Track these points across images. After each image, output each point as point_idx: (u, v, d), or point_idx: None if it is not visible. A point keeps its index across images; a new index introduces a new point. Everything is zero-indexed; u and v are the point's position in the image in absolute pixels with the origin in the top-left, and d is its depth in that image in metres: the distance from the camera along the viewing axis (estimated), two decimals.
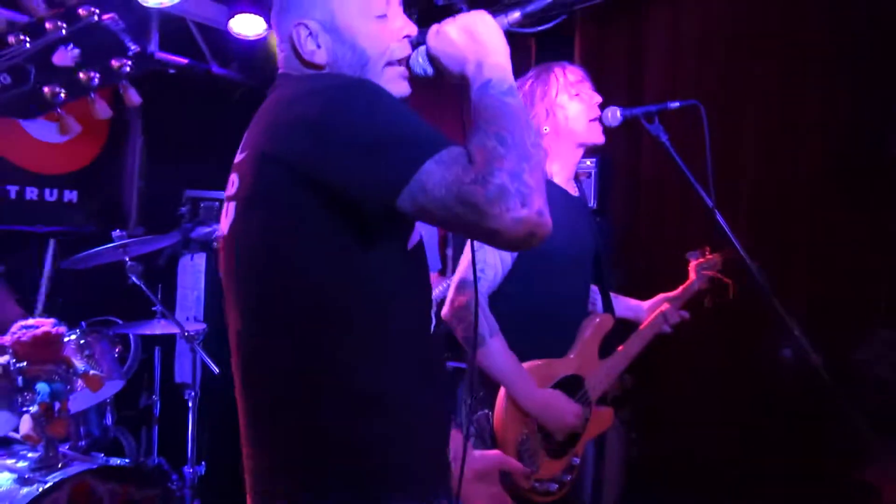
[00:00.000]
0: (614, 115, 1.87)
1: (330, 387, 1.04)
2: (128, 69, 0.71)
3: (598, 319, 1.95)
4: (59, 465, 2.04)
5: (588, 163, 3.10)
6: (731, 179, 2.98)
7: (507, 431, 1.72)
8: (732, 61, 3.09)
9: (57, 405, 2.12)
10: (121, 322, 3.29)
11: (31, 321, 2.15)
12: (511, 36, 1.13)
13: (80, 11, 0.70)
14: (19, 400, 2.09)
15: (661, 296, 2.23)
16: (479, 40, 1.07)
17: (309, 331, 1.04)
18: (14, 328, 2.13)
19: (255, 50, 3.79)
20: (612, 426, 2.94)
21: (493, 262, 1.74)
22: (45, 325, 2.17)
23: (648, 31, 3.33)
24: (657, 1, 3.30)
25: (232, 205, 1.12)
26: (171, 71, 3.63)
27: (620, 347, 2.09)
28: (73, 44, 0.70)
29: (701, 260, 2.32)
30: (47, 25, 0.69)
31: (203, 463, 2.66)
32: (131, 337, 3.14)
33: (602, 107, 1.89)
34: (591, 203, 3.13)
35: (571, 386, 1.86)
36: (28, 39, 0.69)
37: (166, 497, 2.21)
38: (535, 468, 1.75)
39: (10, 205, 3.35)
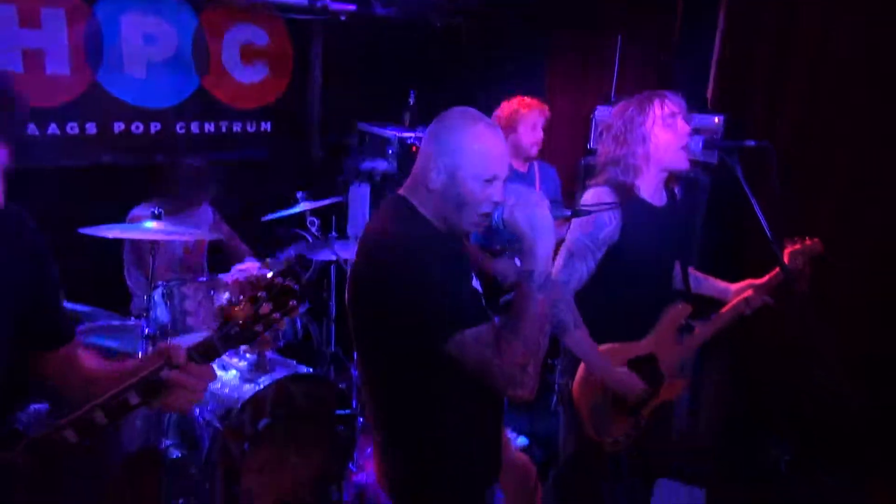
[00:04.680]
0: (697, 145, 2.14)
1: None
2: (297, 303, 1.26)
3: (676, 308, 2.33)
4: (267, 370, 2.89)
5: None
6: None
7: (581, 396, 2.23)
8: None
9: None
10: (309, 238, 4.11)
11: (243, 266, 2.95)
12: None
13: (277, 282, 1.24)
14: None
15: (747, 281, 2.48)
16: (535, 228, 1.54)
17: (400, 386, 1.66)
18: (233, 271, 2.93)
19: None
20: (714, 376, 3.33)
21: (580, 268, 2.15)
22: (252, 268, 2.95)
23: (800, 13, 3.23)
24: None
25: (354, 264, 1.69)
26: (343, 18, 4.12)
27: (699, 328, 2.46)
28: (271, 301, 1.25)
29: (797, 247, 2.45)
30: (259, 296, 1.25)
31: None
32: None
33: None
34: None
35: (646, 363, 2.30)
36: (249, 308, 1.25)
37: (338, 394, 3.01)
38: (605, 427, 2.26)
39: (222, 137, 4.17)
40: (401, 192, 1.70)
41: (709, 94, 3.53)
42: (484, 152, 1.60)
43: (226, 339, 1.25)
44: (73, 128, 3.63)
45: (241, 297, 1.27)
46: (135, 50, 3.73)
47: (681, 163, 2.18)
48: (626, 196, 2.18)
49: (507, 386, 1.50)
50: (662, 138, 2.15)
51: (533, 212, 1.54)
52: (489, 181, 1.60)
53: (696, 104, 3.32)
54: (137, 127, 3.84)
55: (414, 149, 3.96)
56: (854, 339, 3.02)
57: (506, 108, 3.28)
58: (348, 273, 1.76)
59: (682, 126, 2.15)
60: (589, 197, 2.22)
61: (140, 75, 3.79)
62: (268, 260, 1.19)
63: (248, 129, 4.27)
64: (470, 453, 1.72)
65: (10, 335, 1.27)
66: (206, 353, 1.25)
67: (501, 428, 1.85)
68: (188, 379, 1.22)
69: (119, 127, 3.78)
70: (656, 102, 2.16)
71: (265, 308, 1.24)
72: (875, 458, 2.28)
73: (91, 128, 3.69)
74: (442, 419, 1.66)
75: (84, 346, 1.47)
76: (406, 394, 1.66)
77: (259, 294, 1.25)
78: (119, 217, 3.24)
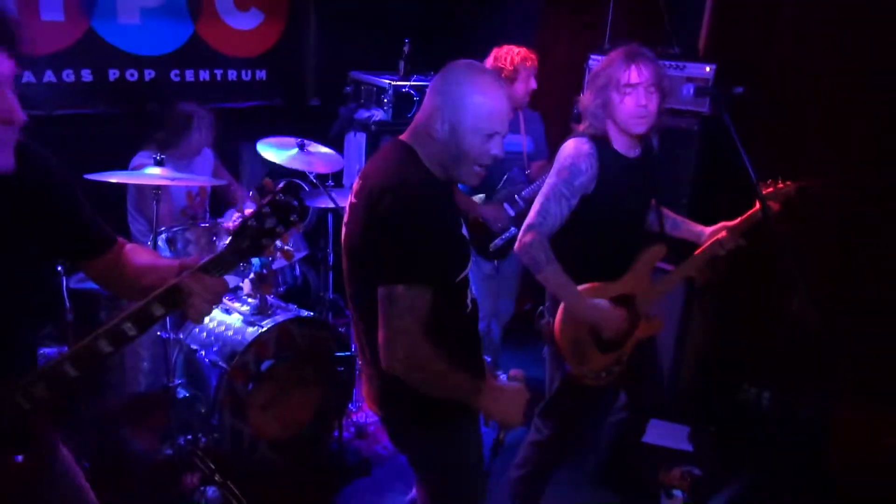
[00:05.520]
0: (688, 90, 2.20)
1: None
2: (297, 217, 1.33)
3: (651, 250, 2.43)
4: (269, 313, 2.99)
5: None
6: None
7: (563, 333, 2.34)
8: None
9: (265, 271, 3.04)
10: (306, 188, 4.16)
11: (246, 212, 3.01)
12: None
13: (279, 198, 1.31)
14: (241, 268, 3.02)
15: (721, 224, 2.55)
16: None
17: None
18: (234, 217, 2.99)
19: None
20: (694, 314, 3.47)
21: (555, 212, 2.24)
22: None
23: None
24: None
25: (350, 208, 1.76)
26: None
27: (675, 268, 2.56)
28: (274, 216, 1.32)
29: (770, 190, 2.50)
30: (264, 211, 1.32)
31: None
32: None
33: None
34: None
35: (623, 302, 2.40)
36: (255, 223, 1.32)
37: (337, 337, 3.12)
38: (585, 361, 2.38)
39: (217, 85, 4.17)
40: (403, 137, 1.76)
41: (701, 43, 3.55)
42: (487, 108, 1.66)
43: (236, 251, 1.35)
44: (68, 75, 3.63)
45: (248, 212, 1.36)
46: None
47: (635, 128, 2.27)
48: (601, 146, 2.27)
49: (386, 347, 1.62)
50: (618, 104, 2.24)
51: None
52: (490, 136, 1.67)
53: (687, 52, 3.39)
54: (132, 74, 3.84)
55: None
56: (831, 271, 3.16)
57: (502, 59, 3.28)
58: (346, 213, 1.82)
59: (637, 98, 2.22)
60: (568, 147, 2.31)
61: (134, 22, 3.77)
62: (267, 179, 1.25)
63: (244, 77, 4.27)
64: None
65: (28, 262, 1.38)
66: (219, 267, 1.35)
67: (480, 354, 1.93)
68: (203, 290, 1.33)
69: (114, 74, 3.78)
70: (622, 70, 2.23)
71: (270, 222, 1.33)
72: (843, 386, 2.43)
73: (86, 75, 3.69)
74: (431, 340, 1.74)
75: (131, 244, 1.59)
76: None
77: (263, 210, 1.33)
78: (116, 164, 3.27)
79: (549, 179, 2.28)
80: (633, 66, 2.21)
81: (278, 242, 1.39)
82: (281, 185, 1.34)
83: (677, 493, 3.05)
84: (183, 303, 1.33)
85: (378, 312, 1.63)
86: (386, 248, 1.62)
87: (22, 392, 1.29)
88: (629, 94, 2.21)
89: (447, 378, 1.66)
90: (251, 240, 1.34)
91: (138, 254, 1.56)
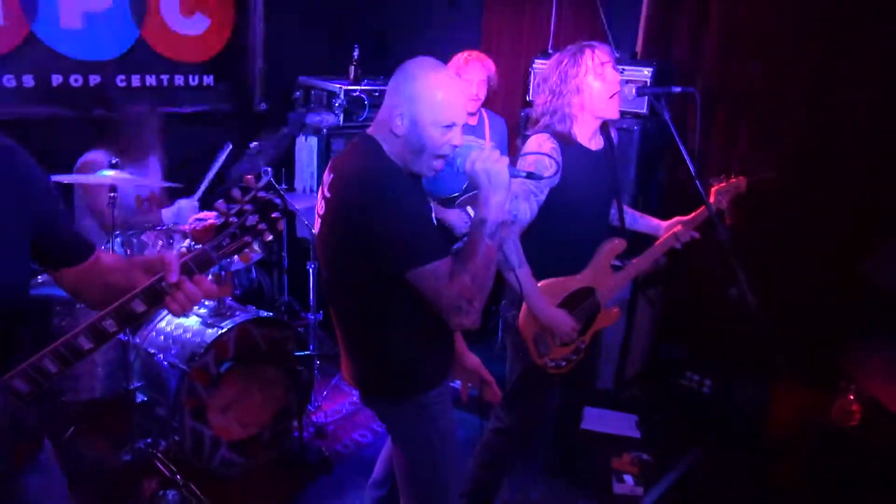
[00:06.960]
0: (630, 92, 2.34)
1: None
2: (279, 215, 1.37)
3: (612, 243, 2.55)
4: (228, 315, 3.00)
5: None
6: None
7: (526, 327, 2.44)
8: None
9: (223, 273, 3.04)
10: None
11: (200, 215, 3.02)
12: None
13: (260, 195, 1.35)
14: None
15: (676, 218, 2.70)
16: (492, 182, 1.72)
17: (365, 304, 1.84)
18: (191, 220, 3.00)
19: None
20: (643, 300, 3.62)
21: (524, 210, 2.33)
22: (211, 217, 3.01)
23: None
24: None
25: (325, 201, 1.83)
26: None
27: (634, 260, 2.69)
28: (256, 213, 1.36)
29: (722, 185, 2.68)
30: (245, 208, 1.34)
31: (321, 312, 3.59)
32: None
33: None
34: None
35: (584, 295, 2.52)
36: (236, 220, 1.34)
37: (296, 337, 3.15)
38: (547, 352, 2.49)
39: (163, 90, 4.13)
40: (369, 132, 1.84)
41: (638, 46, 3.74)
42: (442, 101, 1.74)
43: (218, 248, 1.35)
44: (9, 80, 3.55)
45: (230, 210, 1.35)
46: (70, 1, 3.65)
47: (612, 111, 2.37)
48: (565, 142, 2.36)
49: (453, 314, 1.71)
50: (595, 87, 2.32)
51: (492, 167, 1.72)
52: (448, 127, 1.76)
53: (626, 56, 3.57)
54: (76, 80, 3.77)
55: None
56: (768, 262, 3.37)
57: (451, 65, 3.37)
58: (319, 205, 1.88)
59: (611, 74, 2.32)
60: (531, 144, 2.38)
61: (77, 27, 3.71)
62: (248, 176, 1.27)
63: (191, 82, 4.24)
64: (425, 353, 1.95)
65: (16, 265, 1.37)
66: (201, 264, 1.35)
67: (453, 333, 2.06)
68: (185, 288, 1.32)
69: (57, 79, 3.71)
70: (587, 53, 2.32)
71: (251, 220, 1.34)
72: (779, 367, 2.62)
73: (28, 80, 3.62)
74: (402, 325, 1.87)
75: (106, 252, 1.57)
76: (372, 305, 1.85)
77: (245, 207, 1.34)
78: (61, 168, 3.21)
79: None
80: (596, 49, 2.32)
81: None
82: (263, 181, 1.37)
83: (628, 477, 3.18)
84: (163, 300, 1.34)
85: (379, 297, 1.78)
86: (384, 245, 1.71)
87: (3, 387, 1.28)
88: (602, 74, 2.30)
89: (477, 259, 1.72)
90: (232, 237, 1.35)
91: (113, 260, 1.54)
